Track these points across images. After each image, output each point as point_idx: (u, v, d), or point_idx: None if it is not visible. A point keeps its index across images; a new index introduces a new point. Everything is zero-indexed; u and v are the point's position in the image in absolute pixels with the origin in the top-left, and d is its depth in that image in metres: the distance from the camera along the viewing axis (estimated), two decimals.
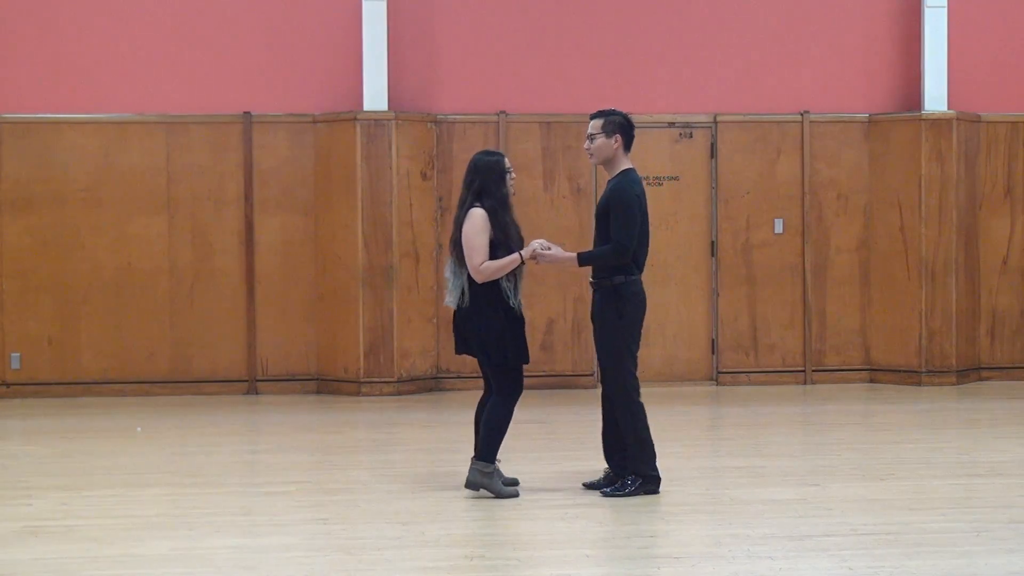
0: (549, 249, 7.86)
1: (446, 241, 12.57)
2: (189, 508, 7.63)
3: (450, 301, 7.89)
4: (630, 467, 7.88)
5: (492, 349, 7.74)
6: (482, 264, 7.69)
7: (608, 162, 7.99)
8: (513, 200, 7.98)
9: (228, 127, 12.66)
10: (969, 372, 13.10)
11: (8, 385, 12.48)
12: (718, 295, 13.05)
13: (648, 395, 12.46)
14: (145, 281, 12.58)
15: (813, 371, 13.10)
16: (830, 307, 13.11)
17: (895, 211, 12.96)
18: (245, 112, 12.65)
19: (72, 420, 11.30)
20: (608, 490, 7.85)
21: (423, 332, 12.53)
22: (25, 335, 12.49)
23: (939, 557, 6.39)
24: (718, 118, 12.99)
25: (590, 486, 8.02)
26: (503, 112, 12.78)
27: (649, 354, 13.01)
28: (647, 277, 12.76)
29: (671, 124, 13.01)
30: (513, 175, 7.97)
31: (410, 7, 12.75)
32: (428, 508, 7.58)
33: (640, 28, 13.02)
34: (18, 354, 12.47)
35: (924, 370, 12.86)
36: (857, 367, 13.16)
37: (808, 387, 12.95)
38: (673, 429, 10.73)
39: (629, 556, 6.57)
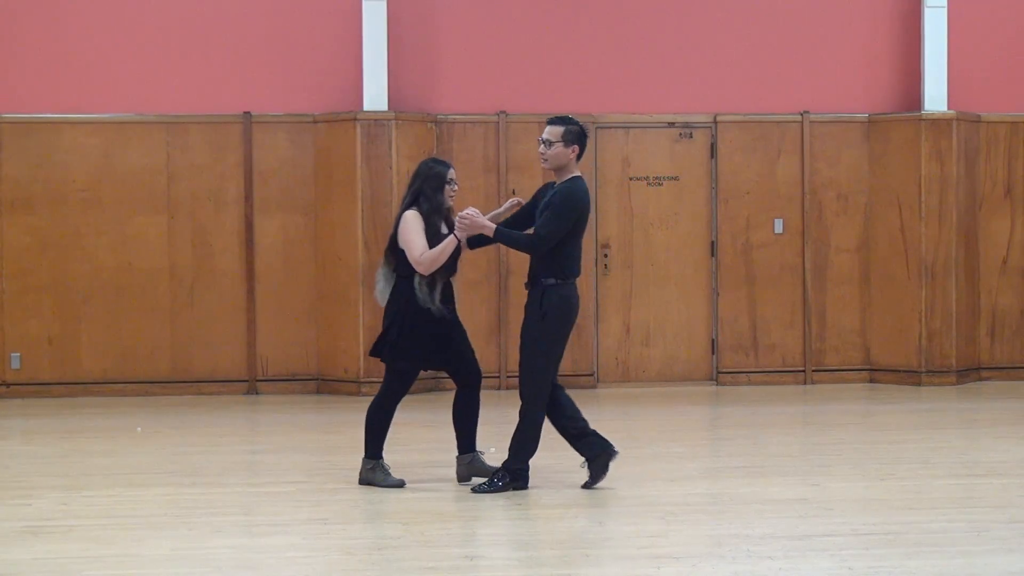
0: (472, 217, 7.87)
1: None
2: (189, 508, 7.63)
3: (380, 300, 8.13)
4: (505, 462, 7.93)
5: (383, 343, 8.00)
6: (421, 255, 7.84)
7: (560, 169, 8.02)
8: (451, 211, 8.20)
9: (228, 127, 12.66)
10: (969, 372, 13.10)
11: (8, 385, 12.48)
12: (718, 295, 13.05)
13: (648, 395, 12.56)
14: (145, 281, 12.59)
15: (813, 371, 13.10)
16: (830, 307, 13.11)
17: (895, 211, 12.96)
18: (245, 112, 12.65)
19: (72, 420, 11.30)
20: (479, 487, 7.91)
21: None
22: (25, 335, 12.49)
23: (939, 557, 6.39)
24: (718, 118, 12.99)
25: (588, 485, 8.03)
26: (503, 112, 12.78)
27: (649, 354, 13.03)
28: (648, 276, 12.99)
29: (671, 124, 13.01)
30: (455, 188, 8.14)
31: (410, 7, 12.75)
32: (428, 508, 7.58)
33: (640, 28, 13.02)
34: (18, 354, 12.47)
35: (924, 370, 12.86)
36: (857, 367, 13.16)
37: (808, 387, 12.95)
38: (673, 429, 10.74)
39: (629, 556, 6.57)
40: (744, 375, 13.06)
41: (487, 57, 12.92)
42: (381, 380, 8.20)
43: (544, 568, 6.33)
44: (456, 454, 8.22)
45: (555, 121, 8.04)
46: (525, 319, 7.95)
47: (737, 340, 13.05)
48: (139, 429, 10.63)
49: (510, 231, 7.97)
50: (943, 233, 12.82)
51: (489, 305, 12.76)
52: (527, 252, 7.92)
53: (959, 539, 6.76)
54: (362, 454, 8.20)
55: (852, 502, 7.62)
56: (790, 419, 11.28)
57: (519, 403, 7.95)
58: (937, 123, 12.81)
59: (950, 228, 12.82)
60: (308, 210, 12.69)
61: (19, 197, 12.48)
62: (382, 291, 8.10)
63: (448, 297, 8.03)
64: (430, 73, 12.83)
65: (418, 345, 7.94)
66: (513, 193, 12.67)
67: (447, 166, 8.12)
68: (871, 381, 13.10)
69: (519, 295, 12.74)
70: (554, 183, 8.18)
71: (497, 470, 7.97)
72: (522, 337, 7.96)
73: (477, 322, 12.65)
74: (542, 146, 8.01)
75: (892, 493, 7.88)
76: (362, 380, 12.34)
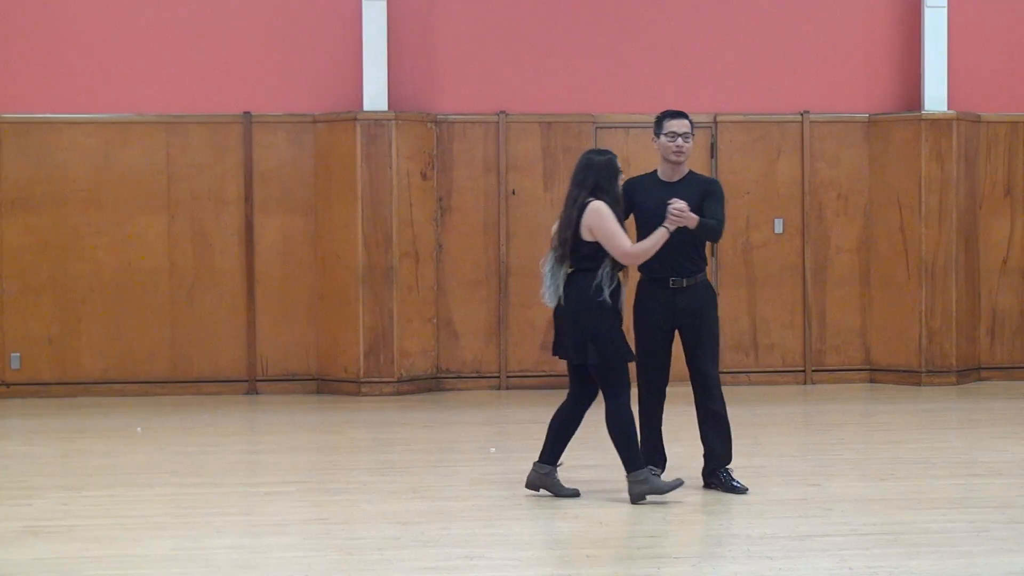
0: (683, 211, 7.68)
1: (446, 241, 12.68)
2: (189, 508, 7.63)
3: (549, 300, 7.76)
4: (727, 459, 8.08)
5: (593, 348, 7.59)
6: (632, 247, 7.62)
7: (684, 162, 8.03)
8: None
9: (228, 127, 12.66)
10: (969, 372, 13.09)
11: (8, 385, 12.48)
12: (718, 295, 13.02)
13: None
14: (145, 281, 12.59)
15: (813, 371, 13.10)
16: (830, 307, 13.11)
17: (895, 211, 12.96)
18: (245, 112, 12.65)
19: (72, 420, 11.30)
20: (735, 484, 7.96)
21: (423, 332, 12.53)
22: (25, 335, 12.49)
23: (939, 557, 6.39)
24: (718, 118, 12.99)
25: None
26: (503, 112, 12.78)
27: None
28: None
29: None
30: (623, 176, 7.86)
31: (410, 7, 12.75)
32: (428, 508, 7.58)
33: (640, 28, 13.02)
34: (18, 354, 12.47)
35: (924, 370, 12.86)
36: (857, 367, 13.15)
37: (808, 387, 12.95)
38: (674, 429, 10.71)
39: (629, 556, 6.57)
40: (744, 375, 13.05)
41: (487, 57, 12.92)
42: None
43: (544, 568, 6.33)
44: (536, 460, 7.90)
45: (680, 115, 7.96)
46: (704, 312, 8.04)
47: (737, 340, 13.04)
48: (139, 429, 10.63)
49: (707, 220, 7.82)
50: (943, 233, 12.82)
51: (489, 305, 12.75)
52: (715, 240, 8.06)
53: (959, 539, 6.76)
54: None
55: (852, 502, 7.62)
56: (790, 419, 11.28)
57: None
58: (937, 123, 12.81)
59: (950, 228, 12.82)
60: (308, 210, 12.69)
61: (19, 197, 12.48)
62: (554, 288, 7.69)
63: (619, 292, 7.74)
64: (430, 73, 12.83)
65: (619, 340, 7.65)
66: (513, 193, 12.67)
67: (613, 155, 7.80)
68: (871, 381, 13.10)
69: (519, 295, 12.79)
70: (636, 179, 8.09)
71: (726, 469, 8.01)
72: (707, 327, 8.06)
73: (477, 322, 12.66)
74: (679, 140, 7.89)
75: (892, 493, 7.88)
76: (362, 380, 12.33)
